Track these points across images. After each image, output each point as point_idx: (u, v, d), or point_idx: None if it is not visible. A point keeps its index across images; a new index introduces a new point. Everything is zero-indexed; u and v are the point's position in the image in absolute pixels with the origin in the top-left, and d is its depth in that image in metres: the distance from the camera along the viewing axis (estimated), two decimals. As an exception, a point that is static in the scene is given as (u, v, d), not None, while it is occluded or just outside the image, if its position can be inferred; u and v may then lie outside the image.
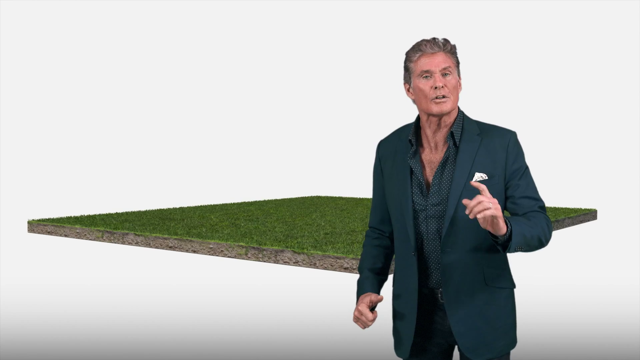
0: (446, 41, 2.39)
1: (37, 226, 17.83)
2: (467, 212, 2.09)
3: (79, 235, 16.88)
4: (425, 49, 2.36)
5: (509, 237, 2.21)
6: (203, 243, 14.35)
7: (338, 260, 12.38)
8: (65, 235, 17.20)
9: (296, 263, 12.97)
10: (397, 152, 2.57)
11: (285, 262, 13.14)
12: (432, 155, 2.50)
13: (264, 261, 13.43)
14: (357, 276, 11.92)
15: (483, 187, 2.11)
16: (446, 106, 2.38)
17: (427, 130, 2.48)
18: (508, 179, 2.45)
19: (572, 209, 21.80)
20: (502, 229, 2.14)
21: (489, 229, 2.12)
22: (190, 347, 7.51)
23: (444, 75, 2.38)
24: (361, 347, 7.50)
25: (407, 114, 39.78)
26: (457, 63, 2.46)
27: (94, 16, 33.54)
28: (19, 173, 31.98)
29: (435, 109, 2.37)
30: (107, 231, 16.20)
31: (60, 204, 25.63)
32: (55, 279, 11.66)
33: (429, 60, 2.35)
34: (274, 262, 13.29)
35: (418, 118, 2.58)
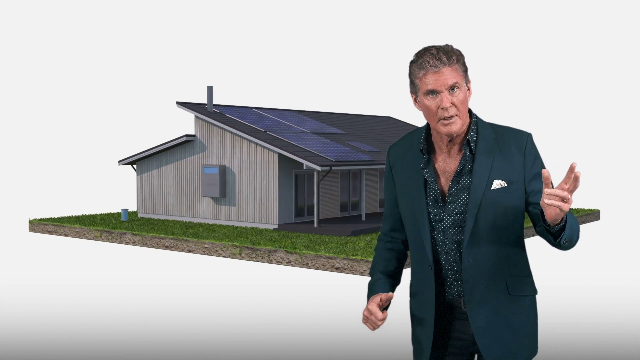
0: (450, 54, 2.24)
1: (38, 225, 17.98)
2: (547, 193, 1.97)
3: (78, 235, 17.00)
4: (429, 67, 2.22)
5: (563, 226, 2.11)
6: (198, 243, 14.40)
7: (330, 260, 12.37)
8: (65, 235, 17.34)
9: (289, 263, 12.98)
10: (407, 160, 2.46)
11: (278, 262, 13.15)
12: (445, 164, 2.38)
13: (258, 261, 13.45)
14: (349, 276, 11.91)
15: (548, 178, 2.00)
16: (455, 127, 2.24)
17: (439, 142, 2.37)
18: (528, 183, 2.33)
19: (576, 209, 21.65)
20: (559, 220, 2.06)
21: (550, 216, 2.04)
22: (184, 345, 7.55)
23: (452, 90, 2.24)
24: (351, 347, 7.50)
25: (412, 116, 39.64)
26: (465, 70, 2.29)
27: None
28: (21, 174, 32.21)
29: (443, 130, 2.25)
30: (106, 230, 16.30)
31: (61, 204, 25.81)
32: (54, 277, 11.75)
33: (434, 78, 2.22)
34: (267, 262, 13.31)
35: (428, 125, 2.46)
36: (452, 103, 2.22)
